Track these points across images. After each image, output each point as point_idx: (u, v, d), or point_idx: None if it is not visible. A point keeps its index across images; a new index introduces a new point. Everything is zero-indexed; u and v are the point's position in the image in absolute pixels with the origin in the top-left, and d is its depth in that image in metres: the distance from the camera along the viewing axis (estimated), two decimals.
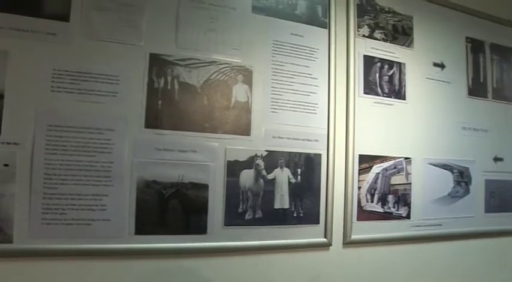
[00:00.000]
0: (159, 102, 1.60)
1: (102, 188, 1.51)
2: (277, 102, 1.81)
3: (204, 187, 1.65)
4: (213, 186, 1.67)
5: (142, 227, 1.56)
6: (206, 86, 1.68)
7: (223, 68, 1.72)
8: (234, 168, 1.70)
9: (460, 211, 2.32)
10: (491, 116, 2.49)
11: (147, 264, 1.58)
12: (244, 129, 1.74)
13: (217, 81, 1.70)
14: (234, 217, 1.70)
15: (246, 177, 1.72)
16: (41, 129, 1.44)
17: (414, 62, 2.21)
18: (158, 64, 1.62)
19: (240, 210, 1.71)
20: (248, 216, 1.73)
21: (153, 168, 1.58)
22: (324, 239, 1.89)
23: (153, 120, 1.59)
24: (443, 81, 2.32)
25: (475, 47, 2.47)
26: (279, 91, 1.82)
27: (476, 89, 2.45)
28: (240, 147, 1.72)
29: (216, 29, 1.73)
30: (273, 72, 1.82)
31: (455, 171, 2.31)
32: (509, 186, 2.54)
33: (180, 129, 1.62)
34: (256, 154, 1.75)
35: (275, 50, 1.83)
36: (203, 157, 1.65)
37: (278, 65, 1.83)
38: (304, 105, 1.86)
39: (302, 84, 1.87)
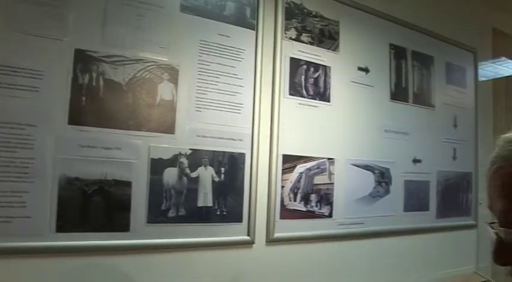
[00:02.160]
0: (84, 98, 1.60)
1: (22, 185, 1.49)
2: (202, 101, 1.85)
3: (128, 184, 1.67)
4: (137, 184, 1.68)
5: (64, 225, 1.55)
6: (132, 84, 1.70)
7: (149, 66, 1.74)
8: (157, 166, 1.73)
9: (381, 210, 2.45)
10: (411, 120, 2.65)
11: (69, 262, 1.57)
12: (169, 128, 1.76)
13: (143, 79, 1.72)
14: (157, 215, 1.72)
15: (170, 175, 1.75)
16: None
17: (339, 66, 2.31)
18: (83, 60, 1.62)
19: (163, 207, 1.74)
20: (171, 213, 1.75)
21: (75, 165, 1.58)
22: (247, 237, 1.94)
23: (77, 117, 1.59)
24: (367, 85, 2.44)
25: (398, 53, 2.62)
26: (204, 90, 1.85)
27: (398, 94, 2.60)
28: (164, 145, 1.75)
29: (144, 27, 1.75)
30: (199, 71, 1.85)
31: (376, 171, 2.43)
32: (426, 186, 2.71)
33: (104, 126, 1.63)
34: (180, 152, 1.78)
35: (202, 50, 1.87)
36: (127, 154, 1.67)
37: (204, 64, 1.87)
38: (229, 105, 1.91)
39: (228, 84, 1.92)
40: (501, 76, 3.68)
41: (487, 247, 3.16)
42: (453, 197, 2.93)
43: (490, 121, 3.32)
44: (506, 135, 0.76)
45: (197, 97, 1.84)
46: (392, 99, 2.56)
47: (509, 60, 3.59)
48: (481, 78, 3.27)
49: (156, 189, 1.73)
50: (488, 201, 0.77)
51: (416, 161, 2.66)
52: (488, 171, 0.75)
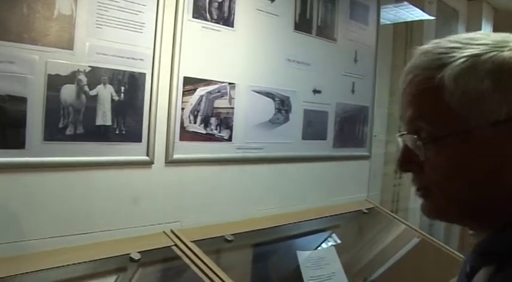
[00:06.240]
0: None
1: None
2: (103, 17, 1.79)
3: (23, 100, 1.61)
4: (32, 100, 1.63)
5: None
6: None
7: None
8: (55, 83, 1.68)
9: (280, 137, 2.55)
10: (313, 51, 2.73)
11: None
12: (67, 43, 1.71)
13: None
14: (54, 132, 1.69)
15: (68, 92, 1.71)
16: None
17: None
18: None
19: (60, 125, 1.71)
20: (69, 131, 1.73)
21: None
22: (146, 157, 1.96)
23: None
24: (272, 14, 2.46)
25: None
26: (105, 7, 1.79)
27: (302, 25, 2.65)
28: (62, 61, 1.69)
29: None
30: None
31: (277, 99, 2.51)
32: (324, 116, 2.84)
33: None
34: (78, 69, 1.73)
35: None
36: (21, 69, 1.60)
37: None
38: (131, 24, 1.87)
39: (130, 2, 1.86)
40: (402, 21, 3.82)
41: (378, 177, 3.42)
42: (350, 128, 3.09)
43: (388, 60, 3.50)
44: (423, 46, 0.81)
45: (98, 13, 1.78)
46: (296, 29, 2.62)
47: (411, 6, 3.71)
48: (383, 21, 3.40)
49: (53, 106, 1.69)
50: (402, 111, 0.83)
51: (316, 91, 2.76)
52: (403, 81, 0.79)
